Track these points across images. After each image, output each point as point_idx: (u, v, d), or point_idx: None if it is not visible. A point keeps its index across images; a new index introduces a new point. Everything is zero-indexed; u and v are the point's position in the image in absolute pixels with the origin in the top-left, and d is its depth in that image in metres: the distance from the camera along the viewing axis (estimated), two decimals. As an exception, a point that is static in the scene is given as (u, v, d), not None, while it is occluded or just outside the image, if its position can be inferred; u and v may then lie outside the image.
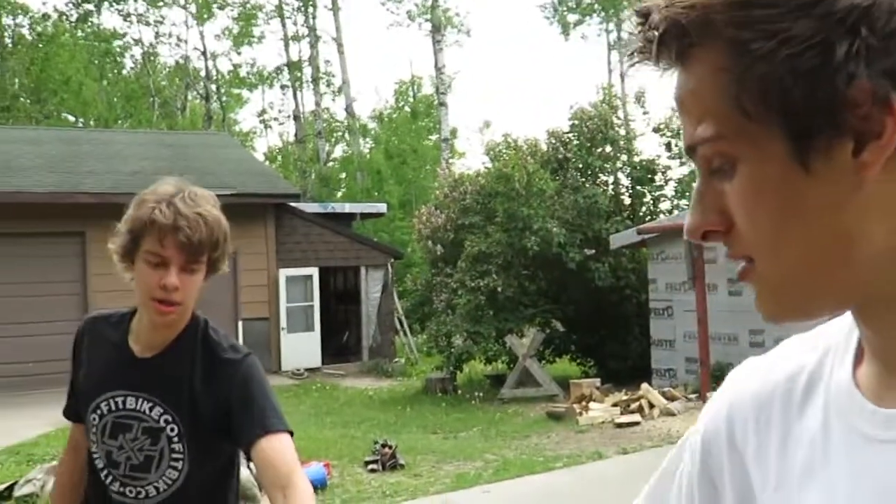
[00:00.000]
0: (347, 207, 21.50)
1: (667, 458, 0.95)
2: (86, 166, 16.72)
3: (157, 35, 41.67)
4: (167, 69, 39.87)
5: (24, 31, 35.07)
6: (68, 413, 2.33)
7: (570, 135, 16.00)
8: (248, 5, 38.56)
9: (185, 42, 49.72)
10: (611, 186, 16.44)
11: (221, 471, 2.19)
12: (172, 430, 2.06)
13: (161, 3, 37.14)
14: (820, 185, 0.64)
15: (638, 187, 16.33)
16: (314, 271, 17.47)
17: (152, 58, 38.69)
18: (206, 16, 38.18)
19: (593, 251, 14.30)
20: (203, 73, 39.00)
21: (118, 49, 38.21)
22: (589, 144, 15.76)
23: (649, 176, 16.21)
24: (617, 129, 16.42)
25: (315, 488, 7.55)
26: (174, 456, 2.07)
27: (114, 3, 36.50)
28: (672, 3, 0.66)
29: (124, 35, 38.30)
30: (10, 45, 33.95)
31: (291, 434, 2.06)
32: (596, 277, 14.14)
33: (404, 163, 34.85)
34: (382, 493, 7.65)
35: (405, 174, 34.12)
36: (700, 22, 0.65)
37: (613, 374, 13.83)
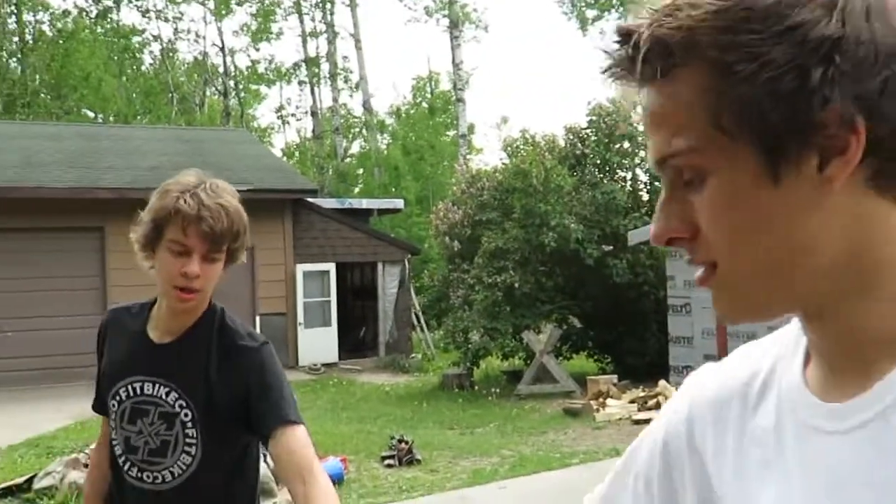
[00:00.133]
0: (365, 203, 21.52)
1: (621, 459, 1.00)
2: (105, 162, 16.82)
3: (175, 31, 42.07)
4: (186, 65, 40.04)
5: (45, 27, 35.30)
6: (97, 406, 2.36)
7: (588, 130, 15.94)
8: (267, 1, 38.68)
9: (204, 38, 50.11)
10: (629, 182, 16.39)
11: (237, 461, 2.20)
12: (186, 415, 2.09)
13: (180, 0, 37.32)
14: (787, 196, 0.70)
15: (656, 183, 16.24)
16: (331, 267, 17.50)
17: (171, 54, 38.86)
18: (224, 12, 38.32)
19: (611, 247, 14.25)
20: (221, 70, 39.16)
21: (137, 45, 38.42)
22: (607, 140, 15.70)
23: (668, 172, 16.11)
24: (635, 125, 16.35)
25: (332, 483, 7.60)
26: (188, 441, 2.10)
27: (133, 0, 36.70)
28: (660, 24, 0.70)
29: (143, 31, 38.51)
30: (30, 42, 34.17)
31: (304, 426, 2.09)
32: (614, 274, 14.10)
33: (422, 159, 34.86)
34: (399, 489, 7.66)
35: (422, 170, 34.13)
36: (686, 43, 0.70)
37: (631, 370, 13.78)
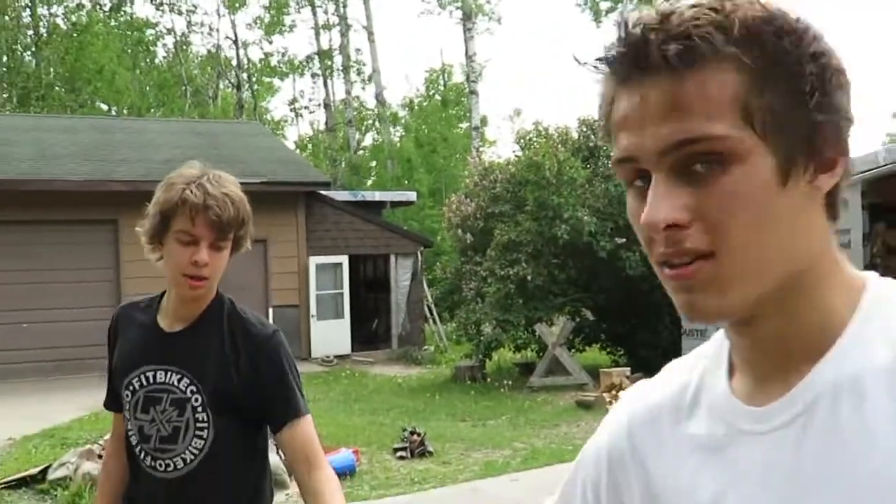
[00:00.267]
0: (377, 196, 21.52)
1: (571, 469, 1.07)
2: (119, 154, 16.88)
3: (189, 24, 42.06)
4: (199, 58, 40.10)
5: (59, 20, 35.44)
6: (109, 403, 2.40)
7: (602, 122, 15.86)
8: (280, -6, 38.68)
9: (217, 31, 50.35)
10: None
11: (247, 447, 2.24)
12: (196, 399, 2.14)
13: (193, -8, 37.38)
14: (789, 199, 0.78)
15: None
16: (344, 259, 17.52)
17: (184, 47, 38.93)
18: (237, 5, 38.34)
19: (624, 240, 14.18)
20: (234, 62, 39.21)
21: (151, 38, 38.49)
22: (620, 132, 15.61)
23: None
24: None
25: (344, 474, 7.61)
26: (199, 426, 2.14)
27: (146, -7, 36.80)
28: (697, 15, 0.76)
29: (157, 24, 38.62)
30: (45, 35, 34.30)
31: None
32: (627, 266, 14.03)
33: (434, 151, 34.82)
34: (411, 480, 7.67)
35: (435, 162, 34.09)
36: (722, 38, 0.76)
37: (644, 362, 13.73)
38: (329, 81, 38.92)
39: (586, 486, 1.03)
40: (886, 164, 7.79)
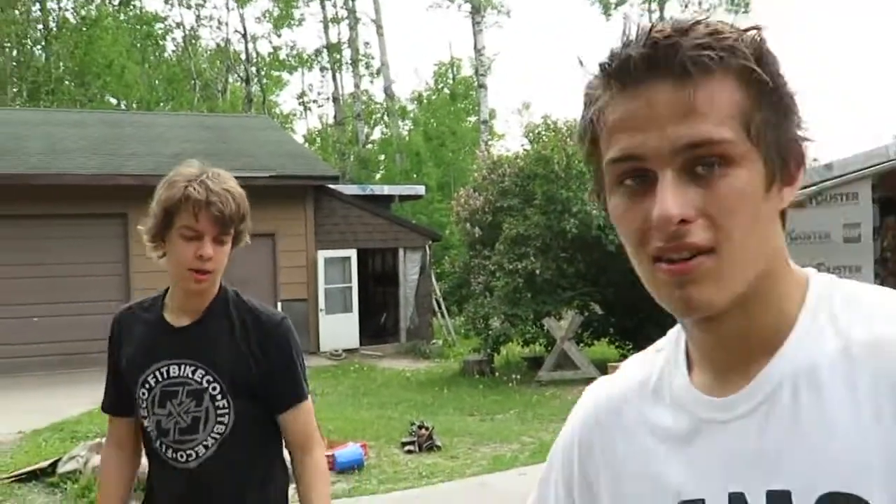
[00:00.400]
0: (386, 189, 21.50)
1: (543, 468, 1.13)
2: (128, 149, 16.91)
3: (198, 18, 42.13)
4: (208, 52, 40.16)
5: (69, 14, 35.51)
6: (110, 406, 2.41)
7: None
8: (288, -12, 38.65)
9: (226, 25, 50.32)
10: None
11: (262, 434, 2.30)
12: (214, 388, 2.21)
13: (202, -13, 37.36)
14: (767, 205, 0.87)
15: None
16: (352, 253, 17.52)
17: (193, 41, 38.97)
18: (246, -2, 38.33)
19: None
20: (243, 56, 39.22)
21: (160, 32, 38.55)
22: (629, 126, 15.57)
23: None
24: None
25: (352, 468, 7.63)
26: (220, 412, 2.21)
27: (155, -13, 36.80)
28: (715, 29, 0.85)
29: (166, 18, 38.64)
30: (54, 29, 34.38)
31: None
32: (635, 260, 14.02)
33: (443, 145, 34.79)
34: (419, 475, 7.67)
35: (444, 156, 34.07)
36: (733, 51, 0.84)
37: (652, 357, 13.72)
38: (338, 75, 38.94)
39: (558, 484, 1.08)
40: (897, 158, 7.74)
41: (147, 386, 2.23)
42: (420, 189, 22.51)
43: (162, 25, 38.45)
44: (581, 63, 0.92)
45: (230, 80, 39.90)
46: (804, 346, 0.87)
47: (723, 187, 0.83)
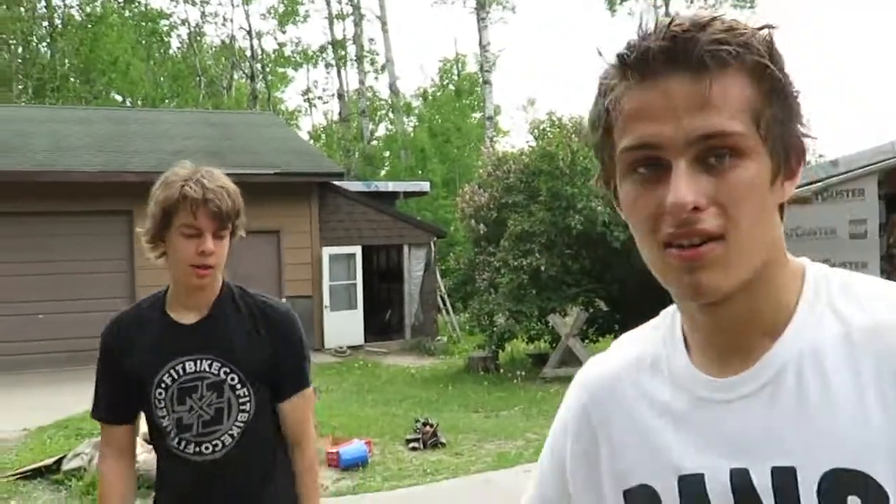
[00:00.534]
0: (391, 186, 21.49)
1: (541, 455, 1.17)
2: (133, 145, 16.92)
3: (203, 15, 42.12)
4: (213, 49, 40.16)
5: (74, 11, 35.56)
6: (108, 414, 2.39)
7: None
8: (293, -16, 38.62)
9: (231, 21, 50.37)
10: (656, 165, 16.21)
11: (273, 416, 2.38)
12: (233, 379, 2.27)
13: (207, -17, 37.34)
14: (772, 197, 0.91)
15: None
16: (357, 250, 17.52)
17: (198, 37, 38.99)
18: (251, -5, 38.32)
19: (638, 230, 14.14)
20: (248, 53, 39.22)
21: (165, 29, 38.57)
22: (634, 122, 15.53)
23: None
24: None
25: (357, 466, 7.62)
26: (241, 401, 2.28)
27: (160, -17, 36.79)
28: (731, 26, 0.88)
29: (171, 15, 38.67)
30: (59, 26, 34.42)
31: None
32: (641, 256, 13.98)
33: (448, 141, 34.75)
34: (423, 472, 7.66)
35: (449, 152, 34.03)
36: (746, 48, 0.87)
37: (657, 354, 13.70)
38: (343, 71, 38.92)
39: (556, 471, 1.13)
40: (903, 154, 7.71)
41: (163, 385, 2.26)
42: (425, 185, 22.50)
43: (167, 22, 38.51)
44: (600, 53, 0.95)
45: (235, 76, 39.90)
46: (806, 330, 0.92)
47: (733, 178, 0.87)
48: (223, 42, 39.58)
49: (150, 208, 2.24)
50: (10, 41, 32.54)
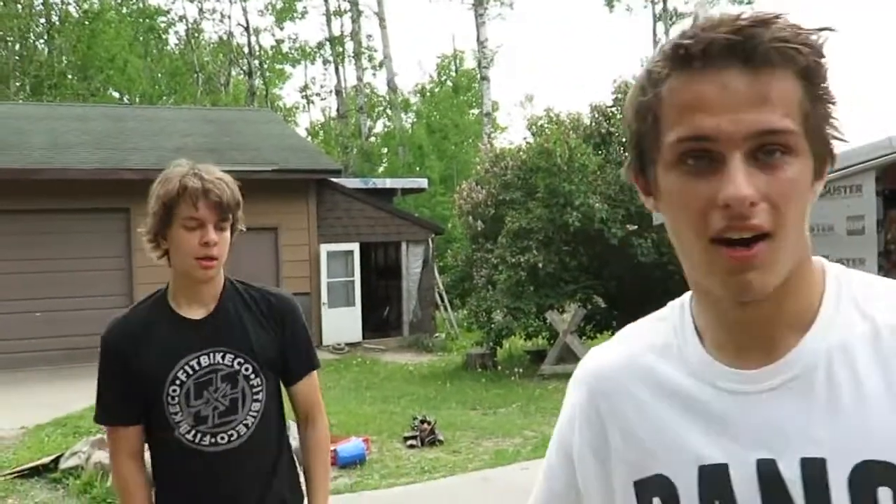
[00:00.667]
0: (388, 183, 21.46)
1: (548, 453, 1.18)
2: (131, 143, 16.89)
3: (200, 11, 42.10)
4: (211, 45, 40.09)
5: (71, 8, 35.47)
6: (119, 418, 2.38)
7: (614, 109, 15.77)
8: (291, -20, 38.55)
9: (229, 18, 50.32)
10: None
11: (281, 404, 2.47)
12: (247, 369, 2.32)
13: (204, -20, 37.28)
14: (810, 196, 0.93)
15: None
16: (355, 246, 17.51)
17: (196, 34, 38.93)
18: (248, -9, 38.19)
19: (636, 227, 14.12)
20: (246, 49, 39.16)
21: (162, 25, 38.50)
22: (632, 118, 15.51)
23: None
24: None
25: (354, 463, 7.62)
26: (255, 390, 2.33)
27: (158, -20, 36.74)
28: (783, 26, 0.89)
29: (168, 11, 38.61)
30: (57, 23, 34.34)
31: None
32: (639, 253, 13.98)
33: (446, 138, 34.73)
34: (421, 469, 7.66)
35: (446, 149, 34.01)
36: (798, 49, 0.89)
37: (655, 350, 13.69)
38: (340, 68, 38.87)
39: (563, 464, 1.13)
40: (901, 150, 7.70)
41: (178, 382, 2.28)
42: (423, 182, 22.48)
43: (164, 19, 38.44)
44: (657, 41, 0.96)
45: (233, 73, 39.85)
46: (833, 326, 0.94)
47: (784, 175, 0.89)
48: (221, 38, 39.56)
49: (150, 206, 2.26)
50: (8, 38, 32.47)
